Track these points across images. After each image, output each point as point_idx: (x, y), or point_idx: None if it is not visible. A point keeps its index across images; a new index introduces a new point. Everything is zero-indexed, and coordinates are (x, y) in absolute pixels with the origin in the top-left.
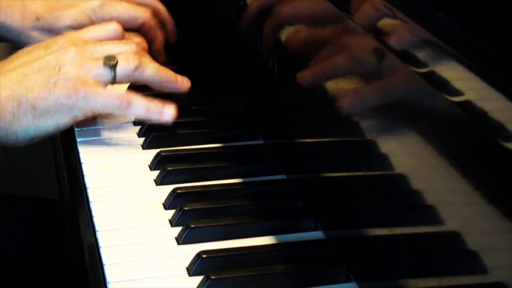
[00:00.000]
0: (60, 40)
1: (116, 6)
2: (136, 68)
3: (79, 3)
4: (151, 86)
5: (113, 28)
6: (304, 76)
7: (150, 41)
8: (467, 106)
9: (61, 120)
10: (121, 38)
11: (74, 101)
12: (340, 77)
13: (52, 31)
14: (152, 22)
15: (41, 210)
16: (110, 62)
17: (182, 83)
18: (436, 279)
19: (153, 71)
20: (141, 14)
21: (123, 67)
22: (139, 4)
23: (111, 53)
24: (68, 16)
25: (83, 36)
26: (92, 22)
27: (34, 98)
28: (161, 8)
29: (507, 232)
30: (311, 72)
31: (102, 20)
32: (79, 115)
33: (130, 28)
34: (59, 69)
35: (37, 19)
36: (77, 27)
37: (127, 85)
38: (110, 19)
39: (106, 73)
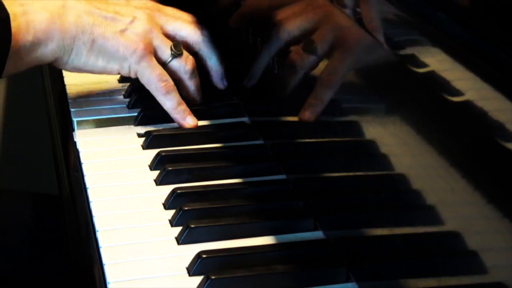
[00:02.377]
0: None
1: None
2: (187, 71)
3: None
4: (182, 94)
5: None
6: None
7: None
8: (467, 106)
9: (109, 65)
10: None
11: (130, 54)
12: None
13: None
14: None
15: (40, 205)
16: (176, 50)
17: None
18: (436, 279)
19: (196, 88)
20: None
21: (179, 62)
22: None
23: (178, 33)
24: None
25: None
26: None
27: (97, 34)
28: None
29: (507, 232)
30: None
31: None
32: (126, 69)
33: None
34: (132, 21)
35: None
36: None
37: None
38: None
39: (166, 55)
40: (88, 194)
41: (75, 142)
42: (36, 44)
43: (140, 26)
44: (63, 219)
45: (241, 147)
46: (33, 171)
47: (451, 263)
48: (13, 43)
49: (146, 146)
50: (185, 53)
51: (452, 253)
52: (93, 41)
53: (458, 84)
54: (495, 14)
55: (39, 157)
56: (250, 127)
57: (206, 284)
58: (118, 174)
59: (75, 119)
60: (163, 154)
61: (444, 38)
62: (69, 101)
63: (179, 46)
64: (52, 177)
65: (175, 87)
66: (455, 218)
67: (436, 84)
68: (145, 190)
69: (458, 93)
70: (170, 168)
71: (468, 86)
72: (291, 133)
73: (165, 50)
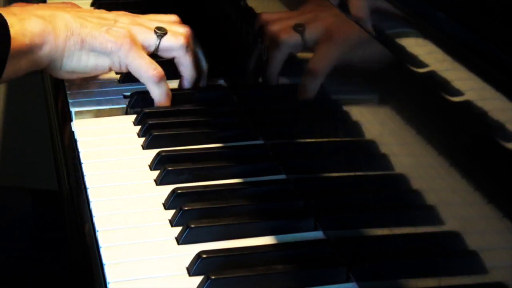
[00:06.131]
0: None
1: None
2: (181, 47)
3: None
4: (180, 72)
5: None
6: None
7: None
8: (467, 106)
9: (100, 61)
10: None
11: (118, 48)
12: None
13: None
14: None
15: (40, 202)
16: (159, 31)
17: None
18: (436, 279)
19: (192, 62)
20: None
21: (169, 40)
22: None
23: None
24: None
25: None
26: None
27: (86, 34)
28: None
29: (507, 232)
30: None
31: None
32: (117, 64)
33: None
34: (115, 22)
35: None
36: None
37: None
38: None
39: (153, 40)
40: (88, 194)
41: (75, 141)
42: (33, 47)
43: (123, 25)
44: (63, 219)
45: (241, 147)
46: (33, 168)
47: (451, 263)
48: (12, 46)
49: (146, 146)
50: (171, 30)
51: (452, 253)
52: (83, 41)
53: (458, 84)
54: (495, 14)
55: (39, 155)
56: (242, 113)
57: (206, 284)
58: (118, 174)
59: (73, 110)
60: (163, 154)
61: (444, 38)
62: (67, 93)
63: (162, 27)
64: (52, 175)
65: (165, 76)
66: (455, 218)
67: (436, 84)
68: (145, 190)
69: (458, 93)
70: (170, 168)
71: (468, 86)
72: (291, 133)
73: (150, 36)
